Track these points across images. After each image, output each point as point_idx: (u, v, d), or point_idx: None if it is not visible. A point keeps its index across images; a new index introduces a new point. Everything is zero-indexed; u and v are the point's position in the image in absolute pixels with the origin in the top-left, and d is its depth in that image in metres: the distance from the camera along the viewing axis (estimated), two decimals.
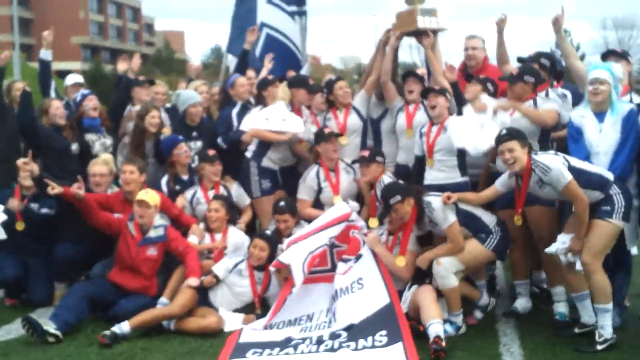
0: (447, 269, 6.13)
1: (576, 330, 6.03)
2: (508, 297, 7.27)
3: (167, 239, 6.75)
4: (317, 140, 7.38)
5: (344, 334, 5.91)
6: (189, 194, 7.48)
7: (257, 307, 6.69)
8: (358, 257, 6.69)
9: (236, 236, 7.15)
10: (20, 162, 6.77)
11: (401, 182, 6.76)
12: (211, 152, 7.46)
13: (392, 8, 8.07)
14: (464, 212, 6.27)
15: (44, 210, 7.17)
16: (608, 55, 6.93)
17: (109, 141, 7.90)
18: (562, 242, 5.87)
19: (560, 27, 6.90)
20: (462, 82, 7.18)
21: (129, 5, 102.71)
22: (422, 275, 6.36)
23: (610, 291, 5.80)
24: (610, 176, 5.81)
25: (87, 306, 6.46)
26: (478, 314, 6.53)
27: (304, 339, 5.96)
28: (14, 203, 7.08)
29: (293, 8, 9.34)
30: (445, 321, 6.06)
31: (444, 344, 5.62)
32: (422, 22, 7.56)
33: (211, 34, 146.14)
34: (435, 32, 7.65)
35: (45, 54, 8.47)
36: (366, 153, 7.10)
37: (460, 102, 6.99)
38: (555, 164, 5.70)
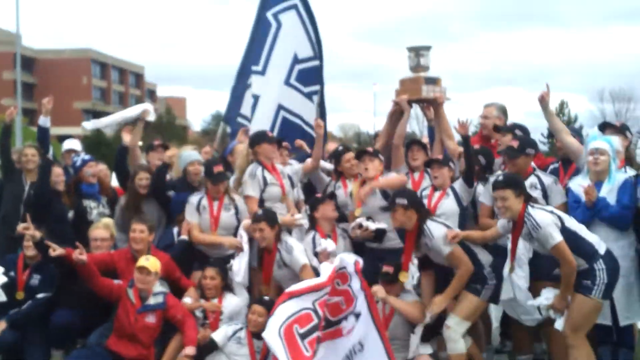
0: (457, 332, 6.11)
1: None
2: None
3: (166, 306, 6.68)
4: (315, 204, 7.35)
5: None
6: (195, 198, 7.45)
7: None
8: (357, 315, 6.33)
9: (232, 303, 7.05)
10: (21, 227, 6.73)
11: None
12: (216, 169, 7.41)
13: (395, 75, 8.17)
14: (462, 246, 6.31)
15: (42, 295, 7.11)
16: (605, 127, 6.96)
17: (107, 212, 7.96)
18: (545, 298, 5.80)
19: (547, 104, 6.93)
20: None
21: (132, 71, 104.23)
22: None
23: None
24: (601, 249, 5.75)
25: None
26: None
27: None
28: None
29: (310, 89, 9.36)
30: None
31: None
32: (426, 91, 7.65)
33: (212, 100, 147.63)
34: (438, 102, 7.72)
35: (44, 120, 8.53)
36: (370, 149, 7.21)
37: (469, 156, 6.91)
38: (546, 223, 5.65)
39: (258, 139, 7.58)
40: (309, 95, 9.29)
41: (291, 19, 9.13)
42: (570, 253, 5.59)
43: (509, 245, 6.02)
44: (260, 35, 9.14)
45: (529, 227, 5.70)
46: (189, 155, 8.06)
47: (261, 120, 8.68)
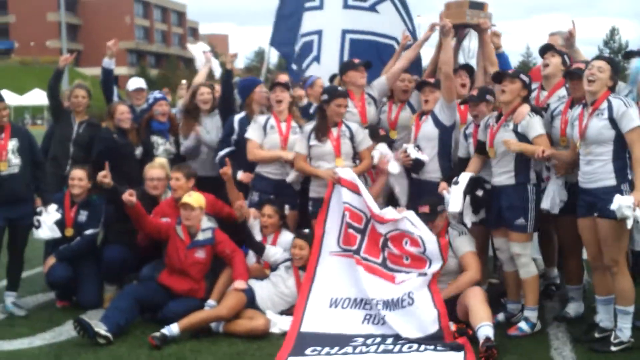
0: (526, 255, 6.21)
1: (596, 334, 5.93)
2: (558, 300, 7.15)
3: (215, 241, 6.79)
4: (345, 69, 7.49)
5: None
6: (262, 118, 7.51)
7: None
8: (422, 274, 6.36)
9: (288, 239, 7.07)
10: (100, 176, 6.76)
11: None
12: (283, 79, 7.55)
13: (439, 8, 7.90)
14: None
15: (90, 232, 7.28)
16: (630, 54, 6.84)
17: (172, 149, 8.08)
18: (625, 200, 5.42)
19: (573, 42, 6.86)
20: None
21: (174, 9, 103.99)
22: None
23: (632, 294, 5.75)
24: None
25: (137, 308, 6.55)
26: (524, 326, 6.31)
27: (365, 337, 5.99)
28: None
29: (371, 1, 9.13)
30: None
31: (495, 350, 5.55)
32: (470, 16, 7.47)
33: (254, 37, 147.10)
34: (482, 27, 7.51)
35: (108, 62, 8.71)
36: (475, 92, 6.89)
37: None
38: (633, 105, 5.60)
39: (344, 68, 7.56)
40: (372, 8, 9.12)
41: (388, 8, 9.02)
42: None
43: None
44: None
45: (612, 105, 5.58)
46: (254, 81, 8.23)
47: (329, 53, 8.60)
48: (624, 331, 5.71)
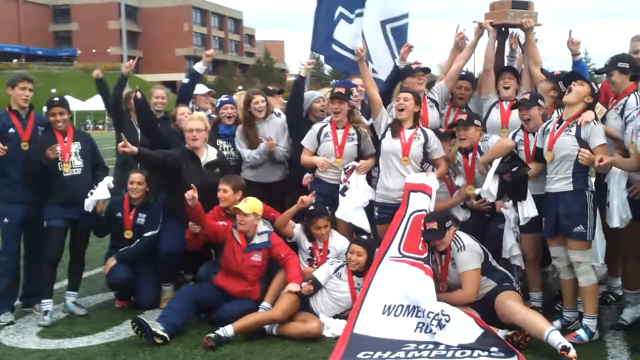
0: (587, 263, 6.11)
1: None
2: (616, 308, 7.02)
3: (271, 245, 6.86)
4: (404, 75, 7.48)
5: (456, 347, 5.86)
6: (318, 125, 7.56)
7: None
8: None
9: (339, 242, 7.16)
10: (189, 194, 6.67)
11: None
12: (341, 90, 7.45)
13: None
14: (489, 264, 6.40)
15: (149, 234, 7.41)
16: None
17: (233, 154, 8.05)
18: None
19: (577, 49, 7.13)
20: None
21: (231, 17, 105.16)
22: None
23: None
24: None
25: (193, 309, 6.65)
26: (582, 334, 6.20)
27: (417, 343, 5.96)
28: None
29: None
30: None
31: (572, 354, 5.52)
32: (513, 15, 7.38)
33: (309, 42, 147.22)
34: (525, 27, 7.45)
35: (200, 67, 8.84)
36: (464, 116, 6.95)
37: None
38: None
39: (403, 74, 7.53)
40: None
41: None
42: None
43: None
44: None
45: None
46: (312, 95, 8.21)
47: (377, 50, 8.55)
48: None
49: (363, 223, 7.27)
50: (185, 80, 8.80)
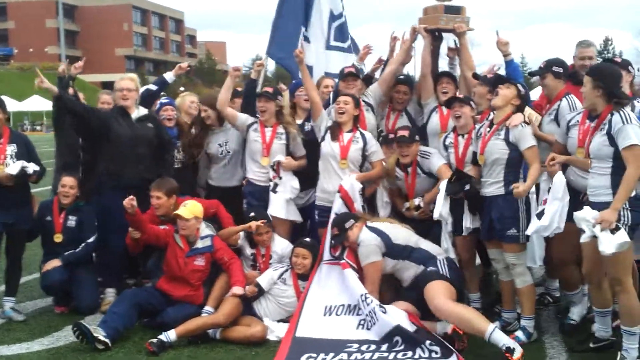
0: (522, 265, 6.17)
1: (591, 345, 5.91)
2: (554, 309, 7.18)
3: (214, 249, 6.83)
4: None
5: (400, 341, 5.92)
6: (250, 120, 7.56)
7: None
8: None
9: (280, 245, 7.17)
10: (127, 201, 6.59)
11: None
12: (270, 89, 7.55)
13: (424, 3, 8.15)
14: (401, 248, 6.42)
15: (92, 239, 7.35)
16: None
17: (180, 156, 7.93)
18: (587, 214, 5.31)
19: (507, 50, 7.23)
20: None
21: (172, 17, 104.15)
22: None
23: (638, 314, 5.47)
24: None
25: (136, 314, 6.57)
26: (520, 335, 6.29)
27: (359, 343, 6.01)
28: None
29: (348, 43, 9.28)
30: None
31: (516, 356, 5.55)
32: (445, 20, 7.48)
33: (252, 44, 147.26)
34: (457, 31, 7.54)
35: (170, 77, 8.64)
36: (406, 132, 6.95)
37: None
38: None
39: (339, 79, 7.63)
40: (349, 50, 9.22)
41: None
42: None
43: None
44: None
45: (620, 118, 5.29)
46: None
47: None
48: (631, 352, 5.49)
49: (295, 215, 7.39)
50: (153, 87, 8.59)
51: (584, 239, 5.30)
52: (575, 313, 6.58)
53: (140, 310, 6.62)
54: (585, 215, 5.27)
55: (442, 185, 6.52)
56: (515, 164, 6.17)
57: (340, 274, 6.65)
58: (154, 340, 6.11)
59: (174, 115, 8.06)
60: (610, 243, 5.13)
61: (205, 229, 6.93)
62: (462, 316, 5.94)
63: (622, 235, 5.15)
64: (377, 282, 6.43)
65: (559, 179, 5.77)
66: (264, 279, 6.73)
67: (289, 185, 7.35)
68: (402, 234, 6.54)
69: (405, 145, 6.91)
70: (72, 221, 7.38)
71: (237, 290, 6.55)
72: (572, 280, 6.58)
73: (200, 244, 6.82)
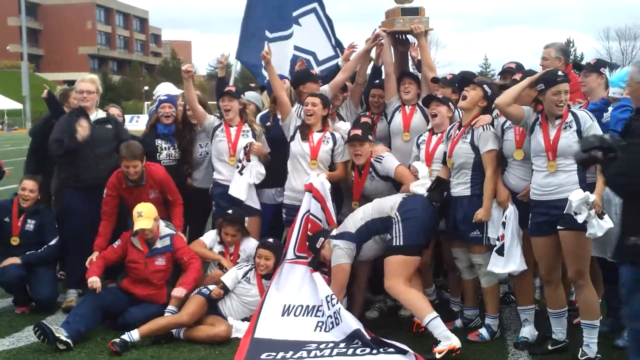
0: (486, 265, 6.19)
1: (549, 347, 5.94)
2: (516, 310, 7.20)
3: (174, 248, 6.82)
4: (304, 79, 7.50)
5: (360, 343, 5.95)
6: (216, 122, 7.53)
7: None
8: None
9: (248, 244, 7.13)
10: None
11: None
12: (232, 88, 7.62)
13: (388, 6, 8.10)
14: (362, 231, 6.39)
15: (54, 242, 7.35)
16: (579, 67, 6.92)
17: (176, 154, 7.85)
18: (582, 196, 5.38)
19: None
20: None
21: (136, 15, 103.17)
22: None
23: (598, 307, 5.71)
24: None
25: (99, 315, 6.52)
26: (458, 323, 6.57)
27: (318, 343, 6.04)
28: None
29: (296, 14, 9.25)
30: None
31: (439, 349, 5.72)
32: (402, 23, 7.52)
33: (217, 44, 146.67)
34: (415, 32, 7.53)
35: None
36: (359, 131, 6.86)
37: None
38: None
39: (303, 79, 7.55)
40: (296, 21, 9.12)
41: (311, 21, 9.09)
42: None
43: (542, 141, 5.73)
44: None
45: (587, 116, 5.61)
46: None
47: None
48: (591, 347, 5.60)
49: (253, 202, 7.37)
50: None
51: (580, 220, 5.37)
52: (528, 332, 6.22)
53: (105, 312, 6.57)
54: (583, 198, 5.35)
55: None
56: (482, 167, 6.20)
57: (301, 273, 6.68)
58: (117, 340, 6.07)
59: (172, 113, 7.93)
60: (600, 227, 5.36)
61: (165, 228, 6.91)
62: (408, 300, 6.15)
63: (608, 221, 5.39)
64: (343, 285, 6.43)
65: (511, 210, 6.04)
66: (228, 278, 6.71)
67: (255, 170, 7.32)
68: (359, 216, 6.51)
69: (358, 143, 6.84)
70: (30, 225, 7.32)
71: (178, 292, 6.53)
72: (527, 292, 6.32)
73: (159, 244, 6.81)
